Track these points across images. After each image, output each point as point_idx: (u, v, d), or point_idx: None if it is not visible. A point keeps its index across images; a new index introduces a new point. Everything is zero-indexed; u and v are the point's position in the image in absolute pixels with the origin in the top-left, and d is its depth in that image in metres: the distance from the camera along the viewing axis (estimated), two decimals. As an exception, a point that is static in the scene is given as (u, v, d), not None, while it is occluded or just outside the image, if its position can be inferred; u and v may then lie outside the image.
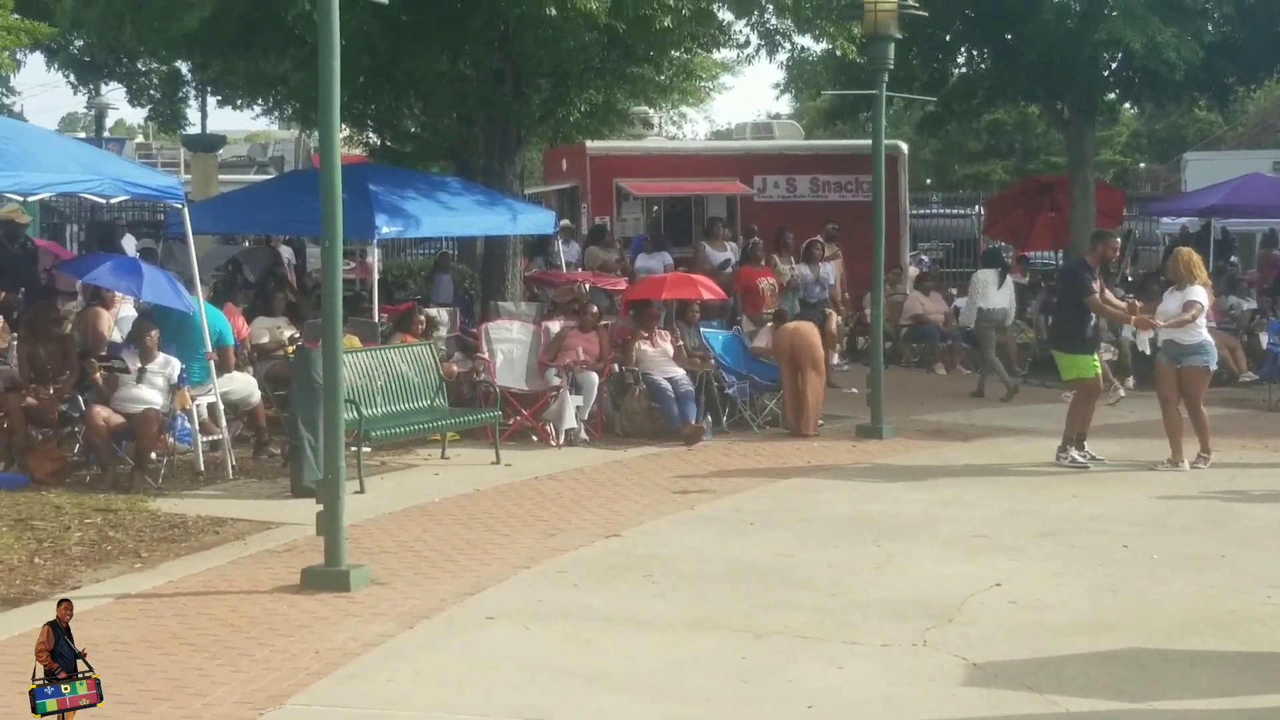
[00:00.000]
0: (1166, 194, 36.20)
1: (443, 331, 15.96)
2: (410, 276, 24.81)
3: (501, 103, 16.86)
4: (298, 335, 14.29)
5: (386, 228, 14.38)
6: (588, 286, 17.72)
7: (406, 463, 13.00)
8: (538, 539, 10.05)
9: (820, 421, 14.98)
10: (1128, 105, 30.64)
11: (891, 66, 15.07)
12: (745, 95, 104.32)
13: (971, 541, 10.12)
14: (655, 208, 25.01)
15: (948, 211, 34.03)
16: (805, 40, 19.66)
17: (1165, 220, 29.41)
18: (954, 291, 22.34)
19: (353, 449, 11.45)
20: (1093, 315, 13.18)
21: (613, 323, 16.10)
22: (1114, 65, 23.04)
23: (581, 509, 11.09)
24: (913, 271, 24.33)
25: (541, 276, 19.26)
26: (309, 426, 10.92)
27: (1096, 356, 13.46)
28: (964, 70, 25.18)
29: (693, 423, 14.15)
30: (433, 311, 16.08)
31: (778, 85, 43.63)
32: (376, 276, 16.32)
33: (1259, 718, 6.70)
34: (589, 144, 23.06)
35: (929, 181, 43.55)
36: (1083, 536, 10.26)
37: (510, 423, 13.93)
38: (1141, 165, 47.77)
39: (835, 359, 19.02)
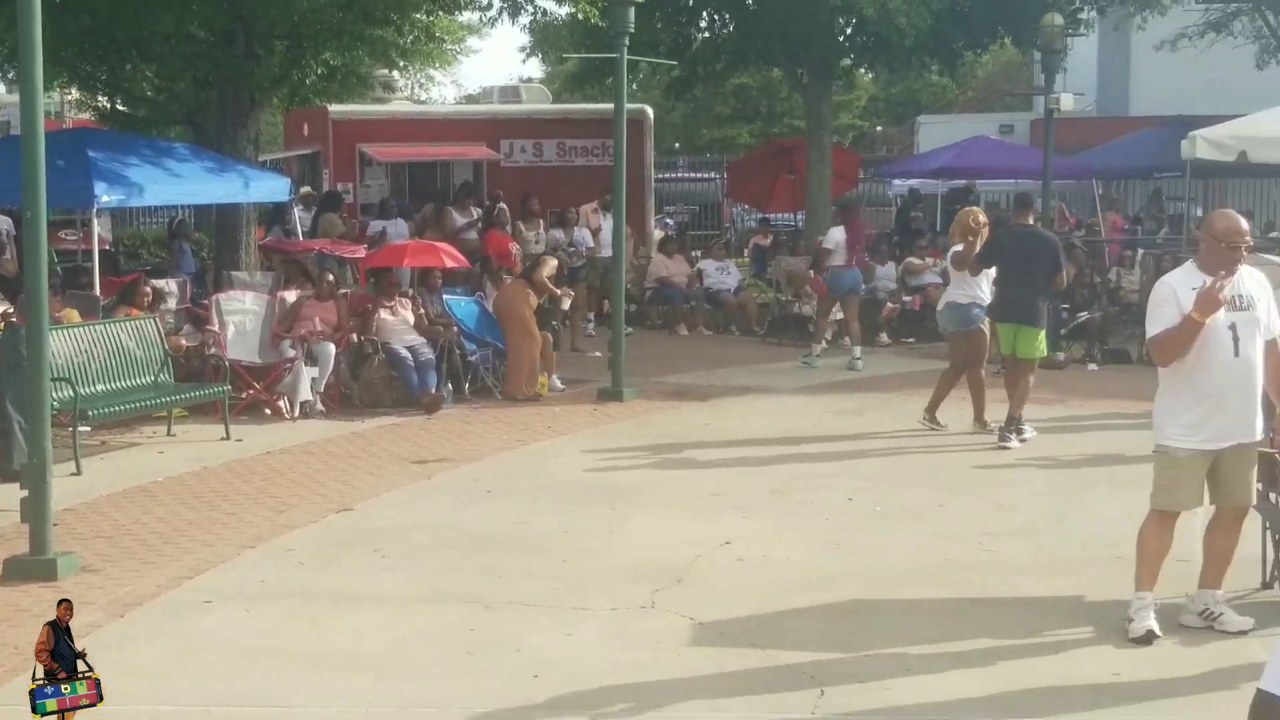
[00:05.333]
0: (901, 156, 37.22)
1: (171, 304, 15.41)
2: (144, 246, 23.97)
3: (233, 65, 16.34)
4: (12, 311, 13.65)
5: (106, 196, 13.77)
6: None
7: (129, 441, 12.50)
8: (266, 516, 9.77)
9: (561, 386, 15.03)
10: (863, 70, 31.35)
11: (632, 30, 15.10)
12: (495, 59, 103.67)
13: (704, 501, 10.22)
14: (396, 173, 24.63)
15: (693, 175, 34.39)
16: (548, 3, 19.57)
17: (896, 182, 30.24)
18: (697, 254, 22.60)
19: (69, 429, 11.00)
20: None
21: (351, 291, 15.80)
22: (849, 31, 23.51)
23: (314, 483, 10.84)
24: (657, 234, 24.49)
25: (277, 245, 18.78)
26: (18, 407, 10.38)
27: None
28: (707, 35, 25.39)
29: (433, 391, 13.98)
30: (160, 283, 15.53)
31: (524, 49, 43.47)
32: (97, 247, 15.66)
33: (966, 660, 6.89)
34: (331, 108, 22.61)
35: (677, 145, 43.93)
36: (810, 493, 10.45)
37: (243, 397, 13.54)
38: (878, 129, 49.02)
39: (589, 326, 19.15)
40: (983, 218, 13.03)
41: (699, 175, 34.32)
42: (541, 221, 20.15)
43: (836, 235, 17.54)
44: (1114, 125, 31.99)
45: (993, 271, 12.71)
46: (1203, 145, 15.21)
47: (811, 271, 18.24)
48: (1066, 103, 21.17)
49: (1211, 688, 6.51)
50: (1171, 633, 7.21)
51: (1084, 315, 18.40)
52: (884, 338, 19.04)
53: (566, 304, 16.29)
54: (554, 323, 16.43)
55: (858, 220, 18.20)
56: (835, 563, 8.60)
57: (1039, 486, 10.75)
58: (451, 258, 16.01)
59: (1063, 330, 18.09)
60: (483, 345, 15.14)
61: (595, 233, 19.81)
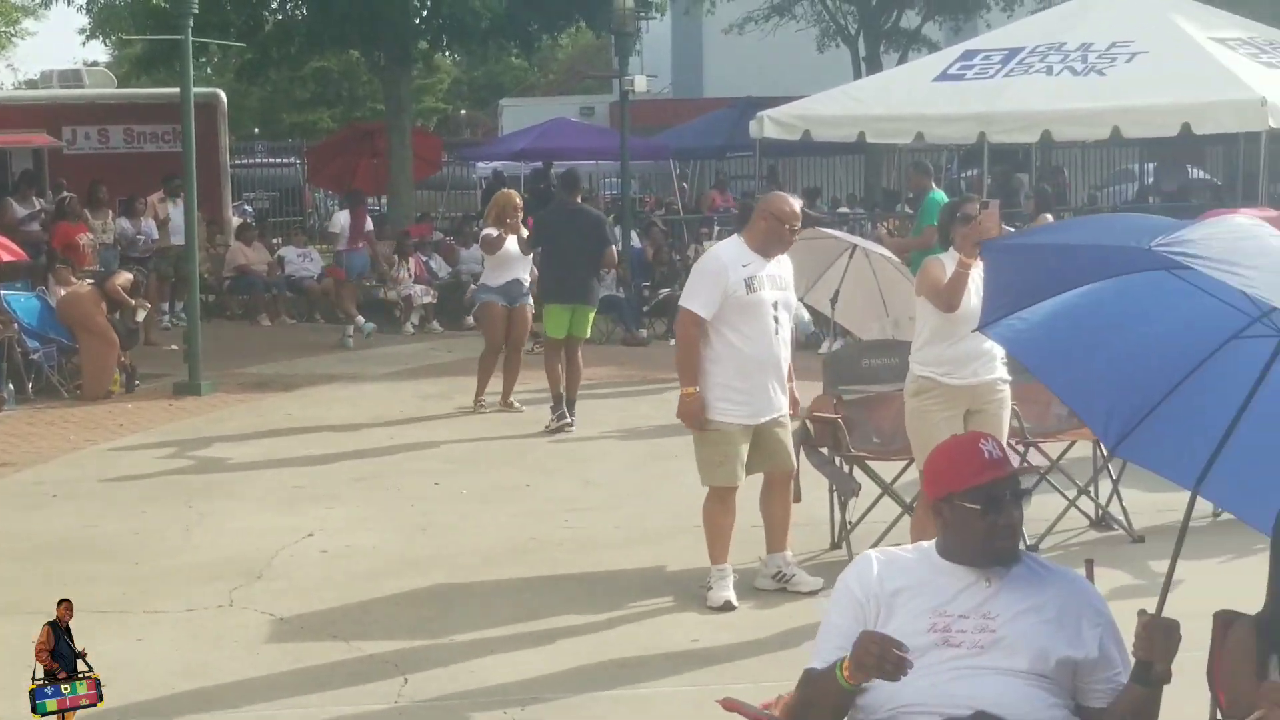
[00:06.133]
0: (485, 139, 37.42)
1: None
2: None
3: None
4: None
5: None
6: None
7: None
8: None
9: (136, 382, 14.39)
10: (443, 53, 31.32)
11: (197, 11, 14.58)
12: (54, 42, 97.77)
13: (287, 493, 9.94)
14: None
15: (273, 160, 33.61)
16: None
17: (480, 165, 30.36)
18: (277, 241, 22.06)
19: None
20: None
21: (-105, 291, 14.65)
22: (424, 13, 23.39)
23: None
24: (235, 221, 23.76)
25: None
26: None
27: None
28: (279, 17, 24.78)
29: (-9, 393, 13.11)
30: None
31: (84, 31, 41.33)
32: None
33: (550, 636, 6.92)
34: None
35: (256, 130, 42.80)
36: (397, 478, 10.31)
37: None
38: (463, 112, 49.15)
39: (153, 317, 18.40)
40: (519, 200, 13.04)
41: (279, 160, 33.53)
42: (110, 211, 19.24)
43: (340, 219, 18.02)
44: (689, 106, 33.08)
45: (510, 254, 12.55)
46: (769, 125, 15.80)
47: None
48: (640, 84, 21.68)
49: (785, 646, 6.72)
50: (748, 597, 7.42)
51: (665, 292, 18.86)
52: (470, 320, 18.98)
53: (141, 315, 15.57)
54: (130, 328, 15.64)
55: (363, 207, 18.96)
56: (421, 548, 8.49)
57: (622, 460, 10.93)
58: (8, 251, 15.02)
59: (645, 307, 18.52)
60: (46, 342, 14.27)
61: (163, 223, 19.09)
